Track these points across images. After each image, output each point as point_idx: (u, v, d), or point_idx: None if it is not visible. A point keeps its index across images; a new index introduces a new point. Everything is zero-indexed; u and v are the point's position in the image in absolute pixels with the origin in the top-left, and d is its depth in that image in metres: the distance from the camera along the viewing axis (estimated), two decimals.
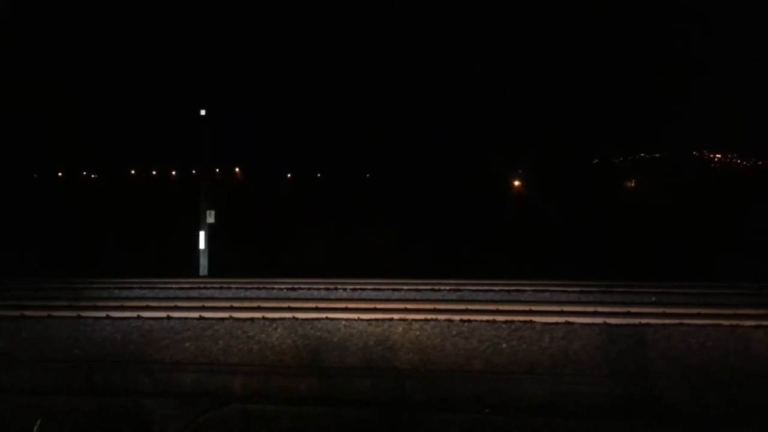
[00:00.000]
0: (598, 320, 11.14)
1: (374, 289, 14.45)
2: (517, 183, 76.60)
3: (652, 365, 9.44)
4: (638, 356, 9.73)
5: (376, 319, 11.29)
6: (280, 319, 11.42)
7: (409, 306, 12.12)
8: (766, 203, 42.81)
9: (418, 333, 10.68)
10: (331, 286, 14.67)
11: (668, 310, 11.61)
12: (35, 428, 7.30)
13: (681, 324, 10.89)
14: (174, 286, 15.05)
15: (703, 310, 11.56)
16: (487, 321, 11.18)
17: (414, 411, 7.99)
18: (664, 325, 10.88)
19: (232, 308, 12.02)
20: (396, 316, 11.40)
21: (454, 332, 10.68)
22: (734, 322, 10.90)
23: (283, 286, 14.77)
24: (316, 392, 8.49)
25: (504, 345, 10.14)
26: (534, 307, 11.92)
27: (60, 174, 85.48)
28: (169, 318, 11.55)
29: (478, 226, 32.03)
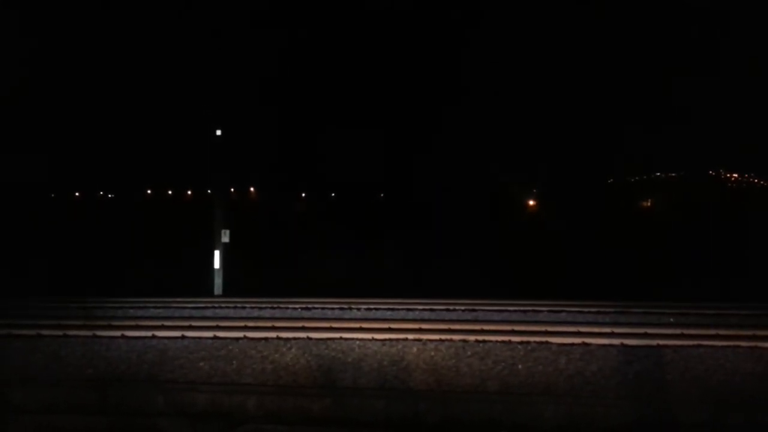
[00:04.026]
0: (615, 341, 11.00)
1: (388, 309, 14.40)
2: (531, 203, 76.47)
3: (670, 387, 9.31)
4: (656, 378, 9.60)
5: (391, 339, 11.23)
6: (294, 339, 11.38)
7: (424, 326, 12.05)
8: None
9: (432, 353, 10.61)
10: (345, 306, 14.63)
11: (686, 331, 11.45)
12: None
13: (699, 345, 10.73)
14: (189, 305, 15.07)
15: (721, 331, 11.40)
16: (503, 341, 11.08)
17: None
18: (682, 346, 10.73)
19: (246, 328, 12.00)
20: (410, 337, 11.33)
21: (469, 353, 10.60)
22: (753, 344, 10.73)
23: (297, 306, 14.75)
24: (329, 413, 8.44)
25: (520, 366, 10.04)
26: (550, 328, 11.81)
27: (77, 194, 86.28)
28: (183, 337, 11.56)
29: (491, 246, 31.90)
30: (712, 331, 11.41)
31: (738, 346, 10.65)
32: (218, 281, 18.30)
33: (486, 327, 11.91)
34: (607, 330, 11.64)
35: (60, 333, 11.81)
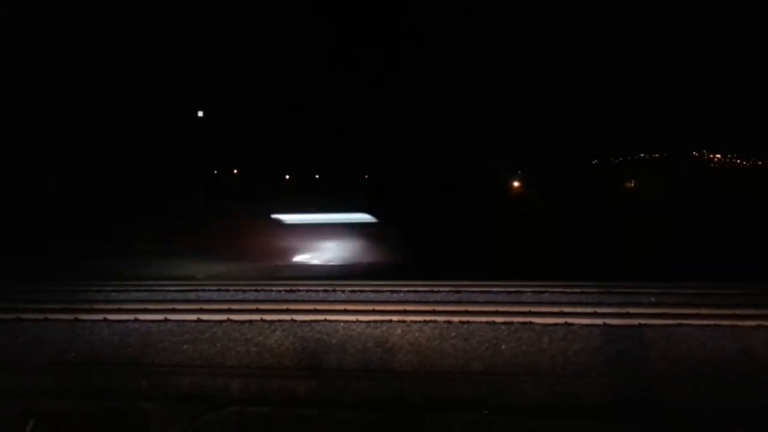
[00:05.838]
0: (598, 321, 11.09)
1: (373, 291, 14.39)
2: (516, 184, 76.70)
3: (652, 366, 9.40)
4: (638, 357, 9.70)
5: (375, 321, 11.24)
6: (279, 321, 11.37)
7: (408, 308, 12.06)
8: (764, 202, 42.82)
9: (417, 335, 10.64)
10: (329, 288, 14.60)
11: (668, 311, 11.56)
12: (28, 428, 7.27)
13: (680, 324, 10.84)
14: (172, 288, 14.99)
15: (702, 311, 11.52)
16: (487, 322, 11.13)
17: (413, 412, 7.97)
18: (663, 325, 10.84)
19: (230, 310, 11.97)
20: (395, 318, 11.35)
21: (453, 334, 10.64)
22: (734, 323, 10.86)
23: (281, 288, 14.71)
24: (314, 394, 8.46)
25: (503, 346, 10.10)
26: (533, 308, 11.87)
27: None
28: (166, 320, 11.50)
29: (477, 227, 31.97)
30: (694, 311, 11.53)
31: (718, 325, 10.78)
32: None
33: (470, 308, 11.95)
34: (590, 310, 11.72)
35: (41, 317, 11.71)
